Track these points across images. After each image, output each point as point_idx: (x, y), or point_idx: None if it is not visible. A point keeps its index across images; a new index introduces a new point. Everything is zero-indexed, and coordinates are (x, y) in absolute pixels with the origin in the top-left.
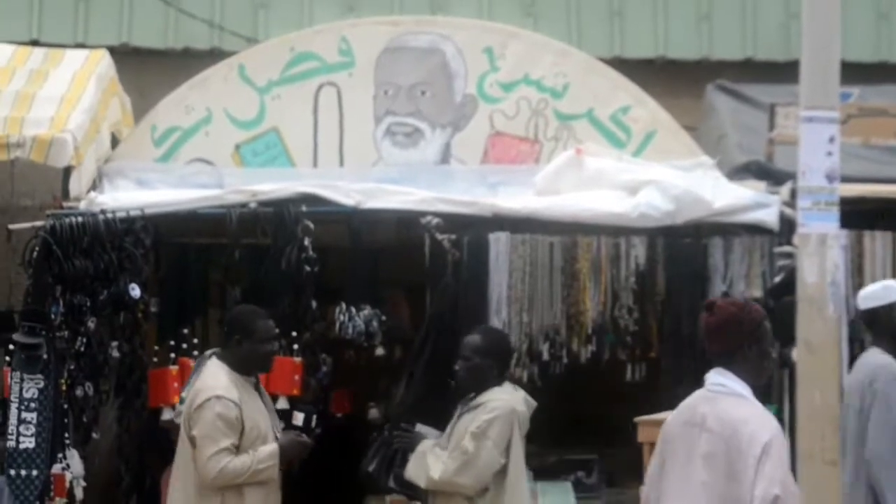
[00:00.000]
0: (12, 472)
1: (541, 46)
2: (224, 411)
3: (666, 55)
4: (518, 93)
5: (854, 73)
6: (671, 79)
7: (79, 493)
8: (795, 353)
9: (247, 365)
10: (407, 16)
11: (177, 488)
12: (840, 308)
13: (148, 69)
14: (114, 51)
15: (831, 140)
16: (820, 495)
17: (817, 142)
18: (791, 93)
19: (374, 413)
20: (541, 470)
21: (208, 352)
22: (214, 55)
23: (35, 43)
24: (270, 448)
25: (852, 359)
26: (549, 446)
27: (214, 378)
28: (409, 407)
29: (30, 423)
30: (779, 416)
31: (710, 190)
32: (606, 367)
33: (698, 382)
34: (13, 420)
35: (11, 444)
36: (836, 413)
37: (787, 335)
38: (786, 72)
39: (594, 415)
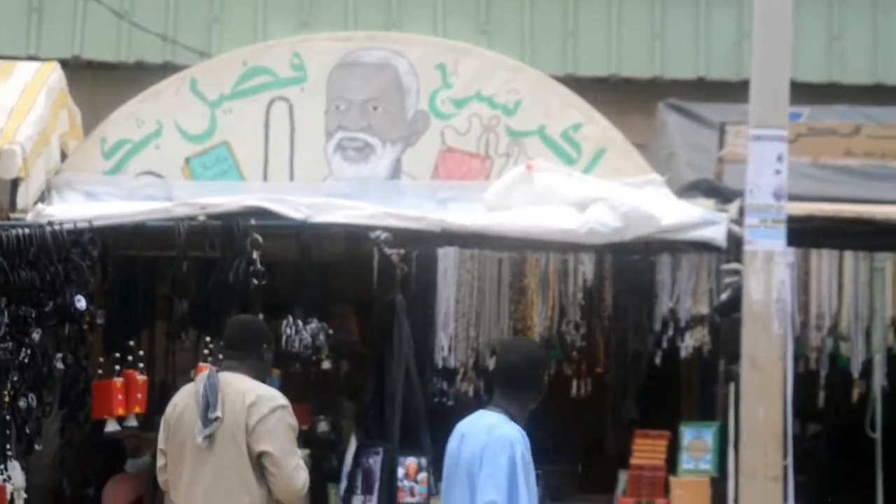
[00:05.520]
0: None
1: (494, 63)
2: (292, 421)
3: (618, 73)
4: (470, 109)
5: (804, 93)
6: (623, 97)
7: None
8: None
9: (266, 372)
10: (360, 31)
11: None
12: (785, 325)
13: (100, 82)
14: (66, 63)
15: (779, 158)
16: None
17: (765, 160)
18: (742, 112)
19: (322, 426)
20: None
21: (213, 368)
22: (167, 69)
23: None
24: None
25: (796, 376)
26: None
27: (265, 388)
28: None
29: None
30: (723, 431)
31: (659, 207)
32: (552, 383)
33: (643, 398)
34: None
35: None
36: (780, 429)
37: (733, 351)
38: (737, 91)
39: (540, 429)
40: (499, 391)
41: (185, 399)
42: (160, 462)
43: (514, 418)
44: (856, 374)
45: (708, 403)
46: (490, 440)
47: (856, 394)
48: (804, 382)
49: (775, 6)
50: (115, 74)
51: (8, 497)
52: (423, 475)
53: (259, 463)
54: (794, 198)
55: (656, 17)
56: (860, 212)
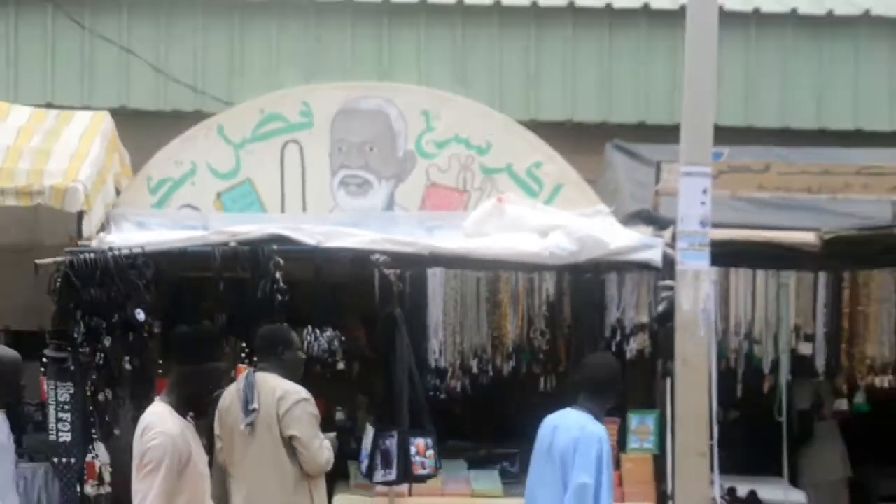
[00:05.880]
0: (55, 460)
1: (469, 110)
2: (314, 410)
3: (573, 118)
4: (450, 150)
5: (725, 135)
6: (577, 139)
7: (107, 477)
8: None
9: (292, 370)
10: (358, 82)
11: (269, 484)
12: (710, 331)
13: (143, 128)
14: (114, 112)
15: (705, 192)
16: (694, 480)
17: (694, 193)
18: (674, 152)
19: (339, 415)
20: (473, 461)
21: (251, 369)
22: (197, 116)
23: (49, 105)
24: (329, 442)
25: (719, 373)
26: (479, 442)
27: (290, 385)
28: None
29: (66, 421)
30: (661, 417)
31: (607, 234)
32: (523, 379)
33: None
34: (52, 419)
35: (53, 437)
36: (706, 415)
37: (669, 352)
38: (671, 134)
39: (515, 417)
40: (585, 395)
41: (231, 395)
42: (217, 445)
43: (597, 417)
44: (766, 370)
45: (649, 395)
46: (583, 435)
47: (766, 386)
48: (725, 378)
49: (702, 62)
50: (155, 121)
51: (97, 470)
52: (430, 452)
53: (290, 445)
54: (716, 225)
55: (604, 71)
56: (770, 237)
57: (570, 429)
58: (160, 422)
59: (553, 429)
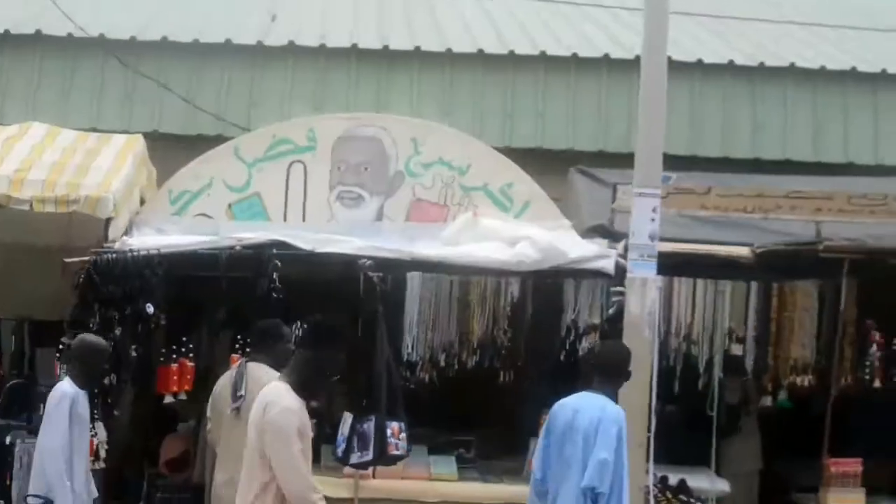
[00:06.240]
0: None
1: (452, 137)
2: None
3: (542, 146)
4: (434, 170)
5: (673, 162)
6: (545, 163)
7: (102, 454)
8: None
9: (281, 360)
10: (358, 113)
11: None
12: (653, 332)
13: (172, 149)
14: (149, 135)
15: (654, 210)
16: (633, 469)
17: (645, 211)
18: (629, 175)
19: (314, 403)
20: (433, 447)
21: (243, 359)
22: (219, 139)
23: (94, 129)
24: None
25: (659, 370)
26: (439, 429)
27: (273, 376)
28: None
29: None
30: None
31: (567, 245)
32: (486, 373)
33: (552, 384)
34: None
35: None
36: (646, 408)
37: None
38: (627, 160)
39: (474, 407)
40: (599, 379)
41: (224, 382)
42: (209, 425)
43: (612, 399)
44: (701, 369)
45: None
46: (604, 415)
47: (701, 383)
48: (665, 375)
49: (654, 101)
50: (183, 143)
51: (94, 448)
52: (403, 434)
53: None
54: (664, 239)
55: (570, 107)
56: (709, 250)
57: (592, 410)
58: (281, 397)
59: (574, 411)
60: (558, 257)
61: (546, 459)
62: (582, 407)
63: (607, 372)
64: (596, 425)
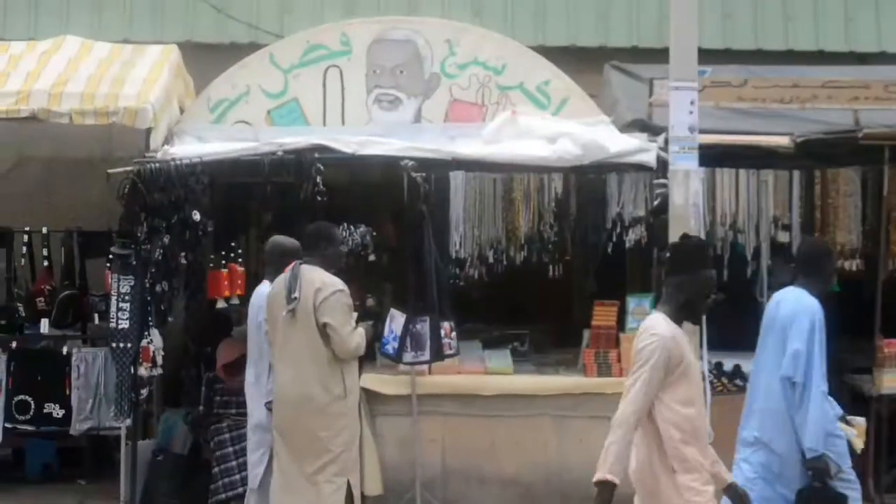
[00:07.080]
0: (114, 344)
1: (486, 37)
2: (348, 301)
3: (576, 43)
4: (469, 71)
5: (707, 56)
6: (580, 60)
7: (159, 360)
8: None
9: (333, 264)
10: (389, 16)
11: (306, 365)
12: (699, 223)
13: (205, 58)
14: (181, 45)
15: (692, 103)
16: None
17: (682, 104)
18: (665, 70)
19: (370, 302)
20: (487, 341)
21: (296, 262)
22: (252, 47)
23: (126, 41)
24: (364, 329)
25: None
26: (493, 324)
27: (329, 277)
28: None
29: (125, 310)
30: (656, 300)
31: (607, 140)
32: (534, 267)
33: (600, 276)
34: (113, 308)
35: (113, 324)
36: None
37: (663, 242)
38: (661, 55)
39: (526, 301)
40: (801, 274)
41: (279, 285)
42: (265, 327)
43: (812, 293)
44: (749, 256)
45: (646, 280)
46: (799, 307)
47: (749, 271)
48: (714, 263)
49: None
50: (216, 52)
51: (151, 354)
52: (454, 333)
53: (324, 331)
54: (703, 131)
55: (602, 3)
56: (749, 140)
57: (789, 302)
58: (655, 325)
59: (777, 303)
60: (599, 152)
61: (759, 349)
62: (784, 299)
63: (803, 267)
64: (792, 316)
